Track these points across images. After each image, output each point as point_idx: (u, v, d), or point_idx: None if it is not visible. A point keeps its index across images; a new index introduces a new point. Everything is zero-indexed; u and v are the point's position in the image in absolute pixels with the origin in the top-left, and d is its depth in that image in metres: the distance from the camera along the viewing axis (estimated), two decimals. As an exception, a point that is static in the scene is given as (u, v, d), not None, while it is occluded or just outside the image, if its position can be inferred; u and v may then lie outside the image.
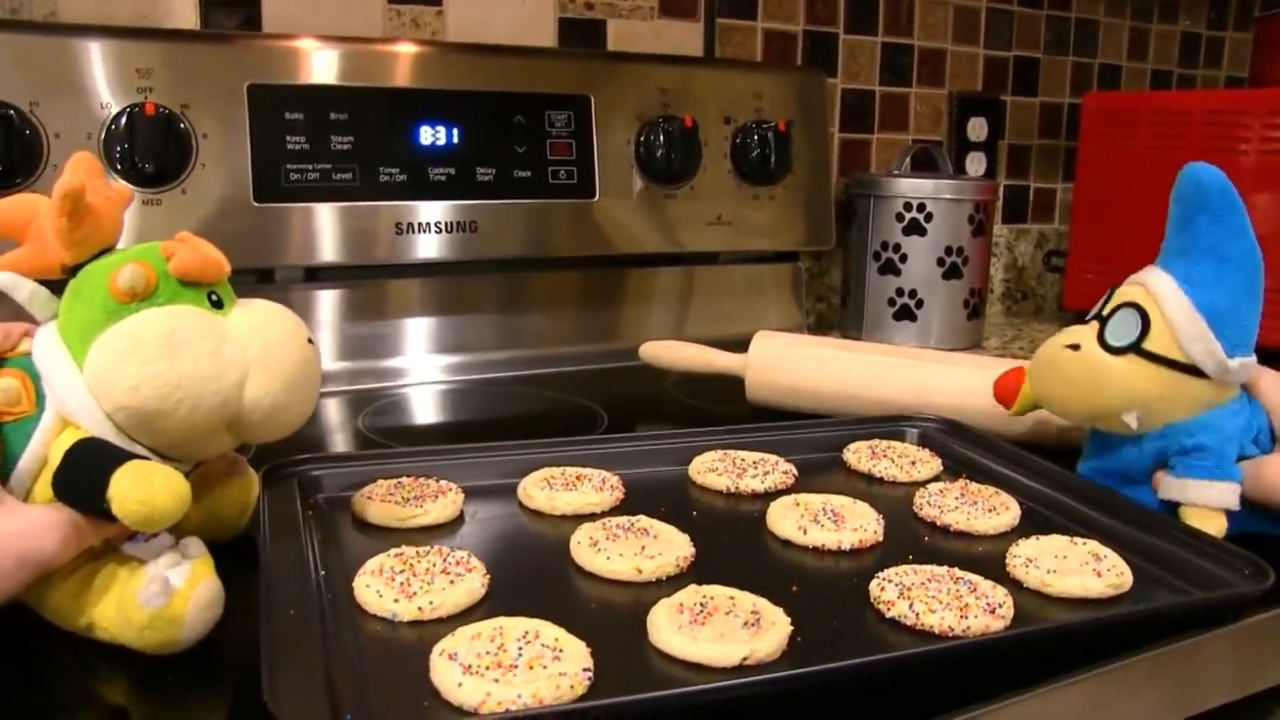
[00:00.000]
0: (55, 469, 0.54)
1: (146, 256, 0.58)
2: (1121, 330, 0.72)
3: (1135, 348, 0.71)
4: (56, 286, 0.60)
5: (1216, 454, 0.70)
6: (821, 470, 0.83)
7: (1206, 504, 0.69)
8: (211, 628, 0.54)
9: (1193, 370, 0.70)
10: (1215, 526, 0.68)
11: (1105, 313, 0.74)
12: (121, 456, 0.54)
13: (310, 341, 0.63)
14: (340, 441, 0.95)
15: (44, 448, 0.56)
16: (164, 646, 0.53)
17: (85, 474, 0.53)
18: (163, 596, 0.52)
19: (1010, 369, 0.83)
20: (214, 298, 0.60)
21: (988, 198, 1.41)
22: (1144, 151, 1.52)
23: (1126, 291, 0.74)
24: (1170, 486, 0.71)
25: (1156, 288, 0.72)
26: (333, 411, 1.04)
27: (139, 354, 0.55)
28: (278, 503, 0.68)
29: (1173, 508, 0.71)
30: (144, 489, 0.52)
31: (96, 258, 0.59)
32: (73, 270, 0.59)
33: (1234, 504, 0.69)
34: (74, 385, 0.56)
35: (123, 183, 0.63)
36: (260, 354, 0.59)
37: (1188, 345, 0.70)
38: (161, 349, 0.55)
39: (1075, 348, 0.74)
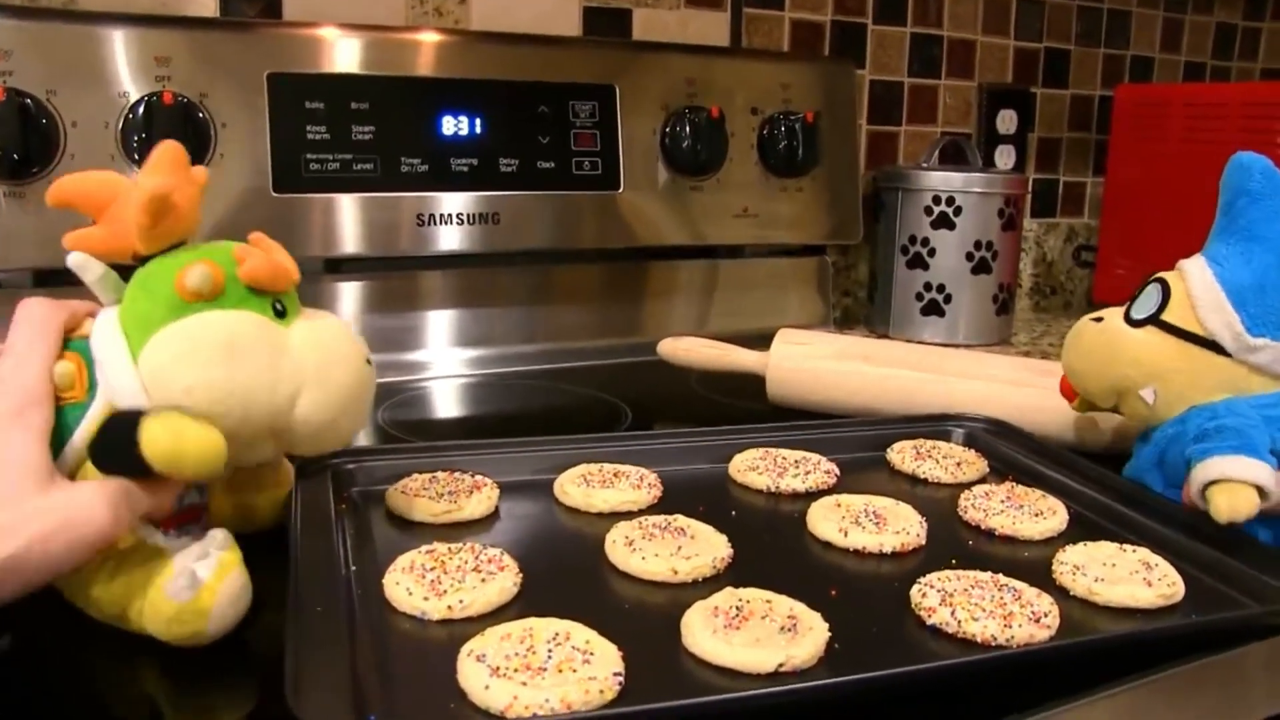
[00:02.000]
0: (91, 436, 0.54)
1: (218, 257, 0.58)
2: (1144, 304, 0.72)
3: (1154, 319, 0.71)
4: (124, 271, 0.59)
5: (1240, 433, 0.65)
6: (864, 470, 0.81)
7: (1230, 476, 0.63)
8: (239, 620, 0.54)
9: (1212, 346, 0.69)
10: (1246, 504, 0.62)
11: (1136, 292, 0.74)
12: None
13: (369, 362, 0.63)
14: (359, 436, 0.93)
15: (91, 435, 0.55)
16: (191, 639, 0.53)
17: (117, 429, 0.53)
18: (189, 590, 0.52)
19: None
20: (278, 306, 0.60)
21: (1018, 191, 1.39)
22: (1177, 145, 1.49)
23: (1161, 273, 0.73)
24: (1194, 474, 0.65)
25: (1185, 265, 0.72)
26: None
27: (198, 356, 0.55)
28: (310, 496, 0.66)
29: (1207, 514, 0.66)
30: (173, 428, 0.52)
31: (170, 249, 0.59)
32: (144, 259, 0.59)
33: (1267, 480, 0.63)
34: (127, 377, 0.55)
35: (200, 168, 0.62)
36: (317, 371, 0.59)
37: (1204, 317, 0.69)
38: (222, 354, 0.55)
39: (1099, 320, 0.75)
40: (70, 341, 0.58)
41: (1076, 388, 0.78)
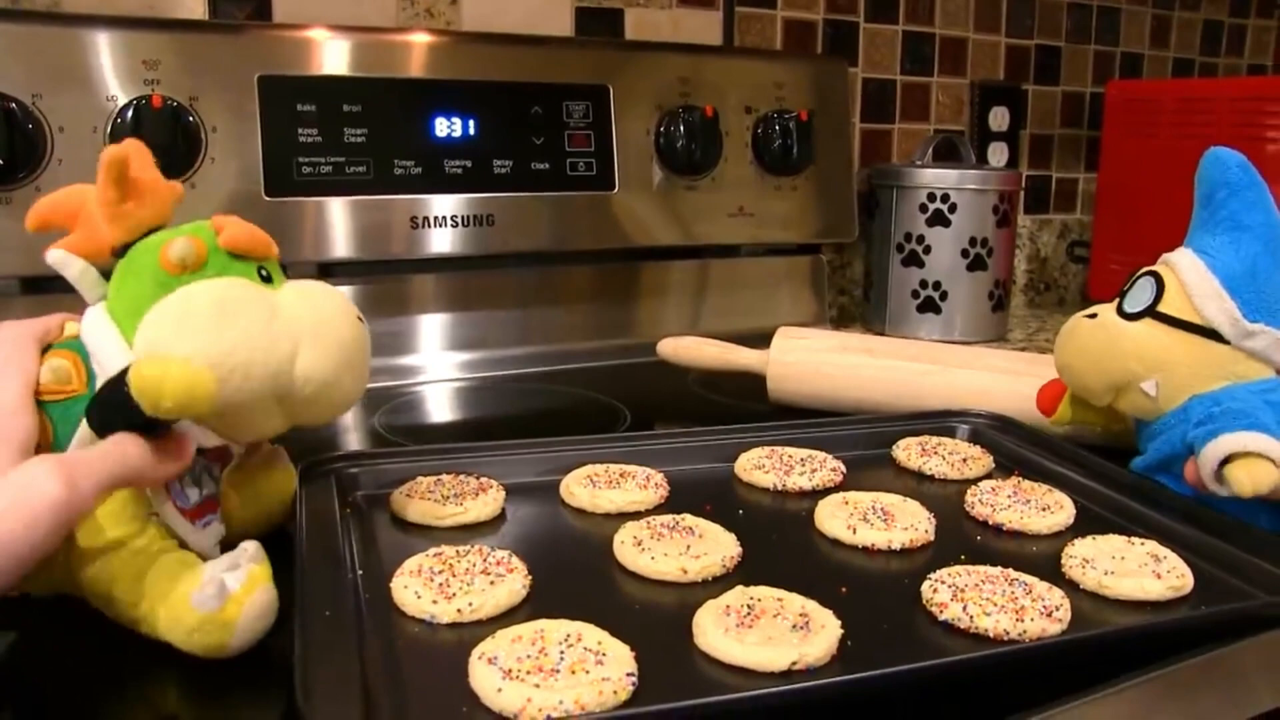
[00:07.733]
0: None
1: (196, 232, 0.58)
2: (1138, 297, 0.72)
3: (1150, 311, 0.71)
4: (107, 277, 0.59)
5: (1247, 414, 0.65)
6: (870, 467, 0.81)
7: (1249, 449, 0.63)
8: (263, 636, 0.53)
9: (1211, 334, 0.69)
10: (1267, 476, 0.62)
11: (1125, 287, 0.74)
12: None
13: (360, 319, 0.62)
14: (355, 441, 0.93)
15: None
16: (213, 650, 0.52)
17: (109, 384, 0.52)
18: (217, 600, 0.51)
19: (1054, 379, 0.81)
20: (264, 273, 0.59)
21: (1012, 188, 1.39)
22: (1167, 140, 1.49)
23: (1149, 267, 0.74)
24: (1204, 457, 0.65)
25: (1173, 257, 0.72)
26: (348, 409, 1.02)
27: (190, 323, 0.54)
28: (315, 500, 0.66)
29: (1220, 501, 0.66)
30: (158, 359, 0.51)
31: (144, 237, 0.58)
32: (121, 251, 0.58)
33: (1277, 453, 0.63)
34: (123, 360, 0.54)
35: (175, 183, 0.63)
36: (312, 328, 0.58)
37: (1202, 305, 0.69)
38: (213, 317, 0.54)
39: (1093, 316, 0.75)
40: (59, 344, 0.58)
41: (1072, 385, 0.77)
